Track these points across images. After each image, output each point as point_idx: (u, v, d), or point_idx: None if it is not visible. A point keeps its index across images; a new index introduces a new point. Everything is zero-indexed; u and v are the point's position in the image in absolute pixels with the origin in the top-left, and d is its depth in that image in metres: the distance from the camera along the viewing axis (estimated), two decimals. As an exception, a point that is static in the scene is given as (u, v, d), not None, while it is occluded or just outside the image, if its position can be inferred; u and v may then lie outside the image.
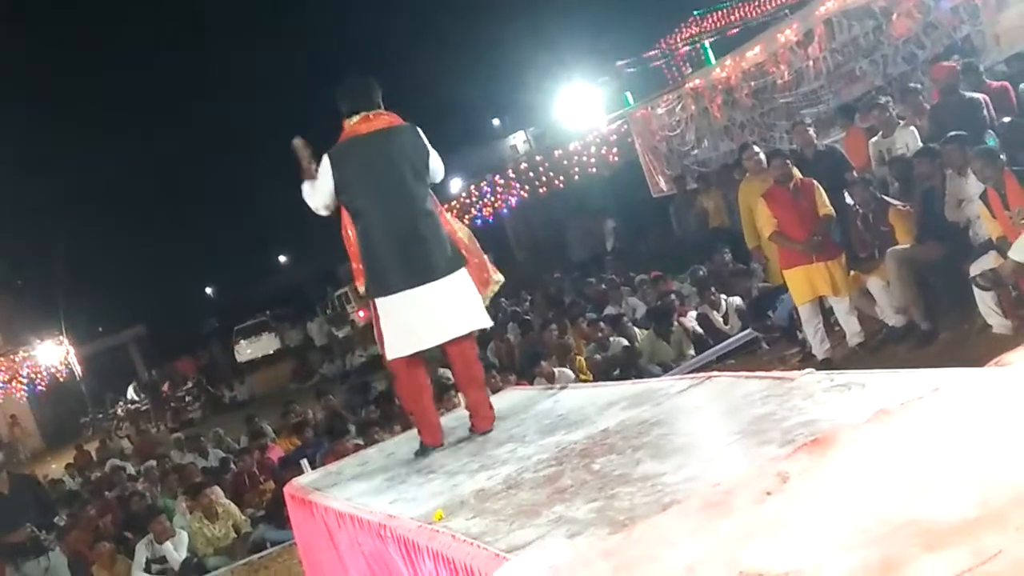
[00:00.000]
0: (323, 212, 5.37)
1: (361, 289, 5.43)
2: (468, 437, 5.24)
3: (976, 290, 8.04)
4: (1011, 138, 9.07)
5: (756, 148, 11.22)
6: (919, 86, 11.30)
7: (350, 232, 5.40)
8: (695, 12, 27.22)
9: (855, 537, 2.08)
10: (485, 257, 5.66)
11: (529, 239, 31.72)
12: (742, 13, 26.63)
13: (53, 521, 9.43)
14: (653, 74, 26.58)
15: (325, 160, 5.22)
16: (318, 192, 5.27)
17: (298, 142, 5.25)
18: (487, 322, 5.45)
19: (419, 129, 5.31)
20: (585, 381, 10.78)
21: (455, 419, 5.88)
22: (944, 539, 1.93)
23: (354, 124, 5.28)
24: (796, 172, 9.56)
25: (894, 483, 2.30)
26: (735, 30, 24.72)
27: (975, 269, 8.02)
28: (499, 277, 5.72)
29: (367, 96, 5.33)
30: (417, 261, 5.13)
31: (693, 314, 12.36)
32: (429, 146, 5.29)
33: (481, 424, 5.27)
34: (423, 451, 5.23)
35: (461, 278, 5.24)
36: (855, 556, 2.00)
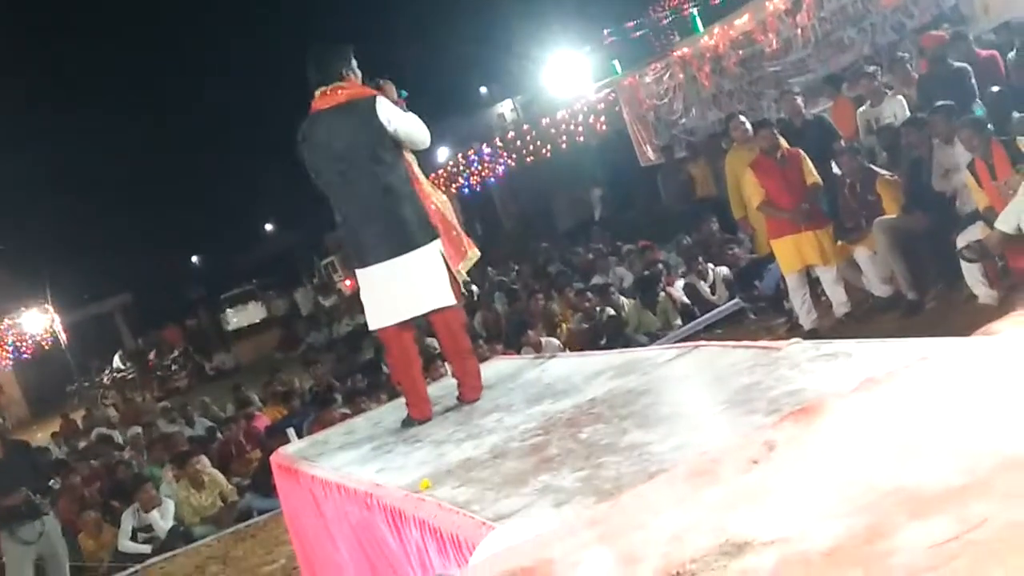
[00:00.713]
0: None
1: None
2: (455, 406, 5.24)
3: (963, 261, 8.05)
4: (999, 107, 9.07)
5: (743, 118, 11.18)
6: (907, 55, 11.28)
7: None
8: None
9: (841, 505, 2.09)
10: (460, 231, 5.62)
11: (516, 208, 31.66)
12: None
13: (48, 486, 9.44)
14: (641, 42, 26.41)
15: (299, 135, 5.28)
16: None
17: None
18: (450, 300, 5.26)
19: (379, 101, 5.14)
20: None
21: (442, 388, 5.88)
22: (930, 507, 1.93)
23: (316, 100, 5.20)
24: (783, 142, 9.55)
25: (880, 451, 2.30)
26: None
27: (962, 240, 8.03)
28: (475, 252, 5.68)
29: (324, 69, 5.22)
30: (376, 238, 5.13)
31: (680, 283, 12.37)
32: (391, 117, 5.12)
33: (468, 394, 5.26)
34: (409, 423, 5.21)
35: (426, 254, 5.15)
36: (841, 524, 2.00)
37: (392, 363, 5.66)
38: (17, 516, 8.78)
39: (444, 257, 5.23)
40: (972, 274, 8.11)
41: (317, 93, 5.19)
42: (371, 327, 5.37)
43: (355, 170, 5.10)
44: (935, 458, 2.15)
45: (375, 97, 5.16)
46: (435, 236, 5.21)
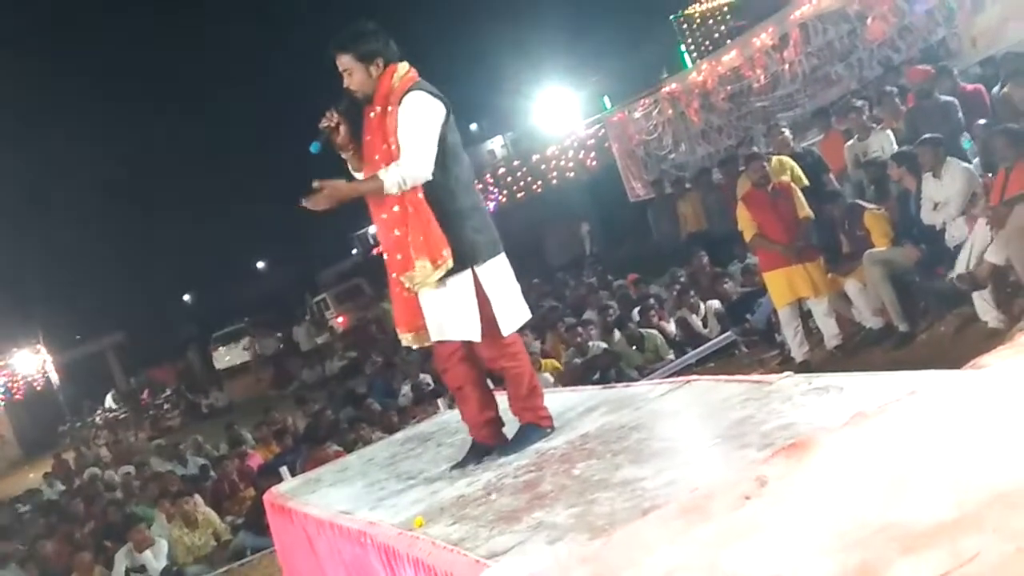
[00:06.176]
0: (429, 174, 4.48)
1: (441, 263, 4.43)
2: (447, 443, 5.22)
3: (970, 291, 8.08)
4: (987, 140, 9.12)
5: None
6: (894, 89, 11.34)
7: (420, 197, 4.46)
8: (672, 16, 27.21)
9: (833, 541, 2.09)
10: None
11: (507, 244, 31.64)
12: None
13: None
14: (630, 78, 26.61)
15: (429, 99, 4.52)
16: (431, 140, 4.53)
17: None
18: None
19: None
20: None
21: (434, 425, 5.86)
22: (922, 542, 1.94)
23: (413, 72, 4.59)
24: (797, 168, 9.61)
25: (872, 487, 2.31)
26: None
27: (960, 266, 8.05)
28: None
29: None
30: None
31: (672, 318, 12.37)
32: None
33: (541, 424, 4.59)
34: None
35: None
36: (833, 561, 2.00)
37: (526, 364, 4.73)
38: None
39: None
40: (981, 298, 8.04)
41: (409, 66, 4.63)
42: (517, 325, 4.73)
43: None
44: (926, 493, 2.16)
45: None
46: None
